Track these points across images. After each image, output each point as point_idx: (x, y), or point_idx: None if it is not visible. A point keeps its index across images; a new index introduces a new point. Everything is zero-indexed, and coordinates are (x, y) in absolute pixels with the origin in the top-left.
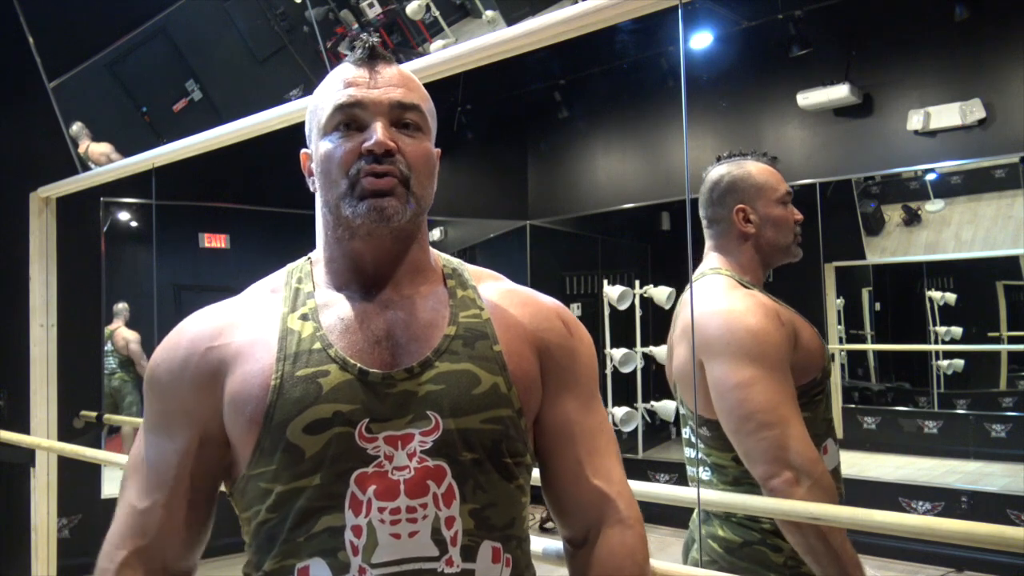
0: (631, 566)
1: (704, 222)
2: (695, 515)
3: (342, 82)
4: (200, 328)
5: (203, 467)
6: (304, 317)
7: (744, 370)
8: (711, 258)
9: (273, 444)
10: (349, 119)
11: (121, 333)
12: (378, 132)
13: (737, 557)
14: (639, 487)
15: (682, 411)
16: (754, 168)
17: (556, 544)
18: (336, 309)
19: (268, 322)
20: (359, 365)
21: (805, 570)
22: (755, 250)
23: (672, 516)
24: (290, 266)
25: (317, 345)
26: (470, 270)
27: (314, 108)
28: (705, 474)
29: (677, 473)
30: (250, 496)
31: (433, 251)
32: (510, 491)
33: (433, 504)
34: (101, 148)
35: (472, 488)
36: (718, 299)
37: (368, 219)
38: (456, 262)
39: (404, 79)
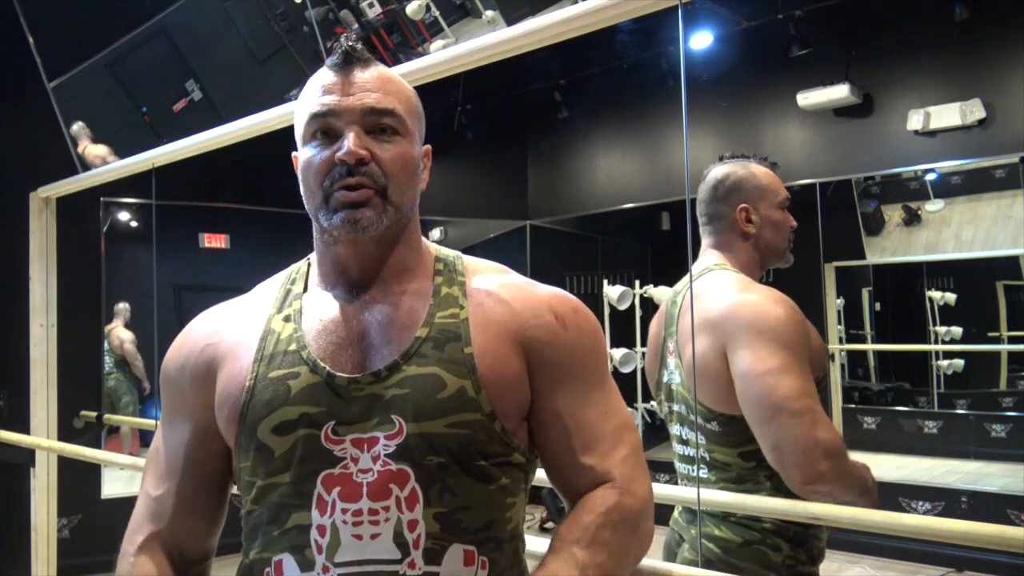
0: (605, 511)
1: (703, 219)
2: (676, 514)
3: (318, 89)
4: (202, 326)
5: (206, 456)
6: (287, 318)
7: (774, 357)
8: (710, 255)
9: (247, 442)
10: (324, 127)
11: (116, 333)
12: (349, 141)
13: (736, 557)
14: None
15: (675, 407)
16: (758, 170)
17: None
18: (318, 311)
19: (255, 322)
20: (327, 368)
21: (802, 570)
22: (754, 250)
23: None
24: (292, 267)
25: (293, 347)
26: (467, 263)
27: (297, 114)
28: (702, 472)
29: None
30: (242, 486)
31: (430, 245)
32: (488, 493)
33: (396, 507)
34: (98, 151)
35: (438, 492)
36: (739, 291)
37: (343, 231)
38: (452, 256)
39: (381, 82)
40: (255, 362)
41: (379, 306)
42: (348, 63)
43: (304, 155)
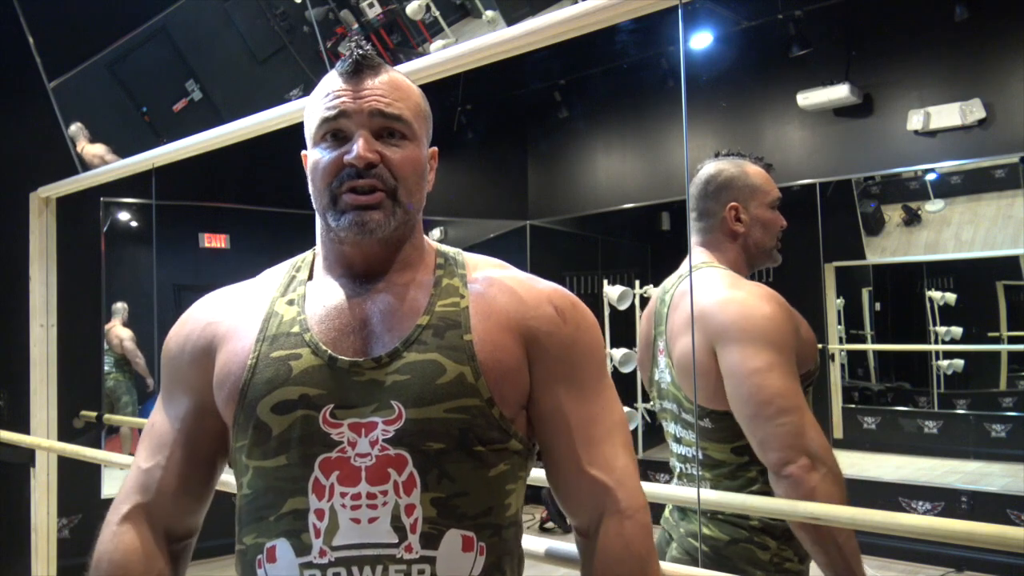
0: (628, 558)
1: (693, 215)
2: (667, 512)
3: (328, 93)
4: (205, 307)
5: (200, 433)
6: (291, 302)
7: (762, 355)
8: (698, 252)
9: (246, 420)
10: (334, 130)
11: (115, 331)
12: (358, 145)
13: (724, 555)
14: None
15: (667, 405)
16: (751, 169)
17: (556, 544)
18: (322, 297)
19: (258, 304)
20: (329, 351)
21: (790, 567)
22: (742, 249)
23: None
24: (298, 256)
25: (295, 329)
26: (467, 259)
27: (307, 115)
28: (696, 469)
29: None
30: (238, 468)
31: (431, 242)
32: (486, 479)
33: (393, 492)
34: (95, 150)
35: (436, 477)
36: (728, 288)
37: (351, 232)
38: (452, 252)
39: (391, 87)
40: (257, 342)
41: (382, 295)
42: (359, 71)
43: (313, 156)
